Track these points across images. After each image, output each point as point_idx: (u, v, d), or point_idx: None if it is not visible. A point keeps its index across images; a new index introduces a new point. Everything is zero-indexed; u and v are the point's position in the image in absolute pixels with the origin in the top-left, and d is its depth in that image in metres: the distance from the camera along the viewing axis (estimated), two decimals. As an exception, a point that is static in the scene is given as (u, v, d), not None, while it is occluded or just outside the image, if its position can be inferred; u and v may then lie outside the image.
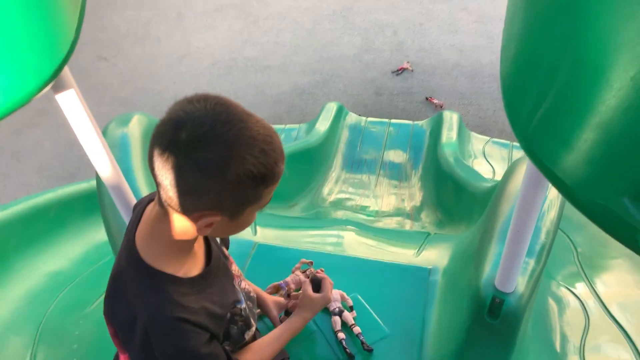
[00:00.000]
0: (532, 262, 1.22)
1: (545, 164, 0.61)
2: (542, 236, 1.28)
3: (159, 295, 0.84)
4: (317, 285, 1.32)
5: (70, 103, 1.04)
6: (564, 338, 1.63)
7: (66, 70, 0.96)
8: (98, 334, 1.70)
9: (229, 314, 0.97)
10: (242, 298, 1.02)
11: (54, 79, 0.86)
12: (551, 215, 1.35)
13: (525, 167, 1.47)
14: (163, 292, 0.84)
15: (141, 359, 0.88)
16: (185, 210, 0.78)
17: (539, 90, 0.65)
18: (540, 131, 0.63)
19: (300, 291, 1.31)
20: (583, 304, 1.73)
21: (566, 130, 0.57)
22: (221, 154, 0.72)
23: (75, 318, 1.80)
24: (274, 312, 1.34)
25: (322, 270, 1.49)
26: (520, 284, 1.16)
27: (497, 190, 1.51)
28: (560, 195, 1.41)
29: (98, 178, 1.51)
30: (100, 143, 1.11)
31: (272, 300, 1.35)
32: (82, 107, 1.05)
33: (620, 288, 1.81)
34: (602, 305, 1.72)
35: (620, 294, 1.77)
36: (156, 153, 0.75)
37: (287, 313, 1.37)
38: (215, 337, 0.92)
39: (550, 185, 0.94)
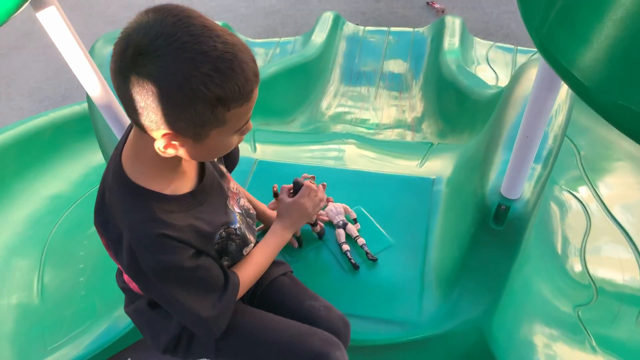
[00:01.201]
0: (538, 167, 1.20)
1: (562, 63, 0.58)
2: (550, 141, 1.25)
3: (143, 212, 0.83)
4: (297, 187, 1.28)
5: (52, 21, 0.98)
6: (565, 241, 1.65)
7: None
8: (103, 253, 1.72)
9: (224, 233, 0.97)
10: (235, 218, 1.01)
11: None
12: (559, 119, 1.31)
13: (532, 72, 1.43)
14: (147, 209, 0.83)
15: (132, 272, 0.89)
16: (142, 129, 0.75)
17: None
18: (556, 28, 0.59)
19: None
20: (585, 207, 1.74)
21: (585, 26, 0.53)
22: (161, 70, 0.67)
23: (79, 239, 1.82)
24: None
25: (324, 185, 1.47)
26: (526, 190, 1.14)
27: (503, 96, 1.46)
28: (568, 99, 1.36)
29: (89, 99, 1.46)
30: (87, 62, 1.05)
31: (271, 211, 1.35)
32: (64, 24, 0.99)
33: (622, 190, 1.81)
34: (604, 208, 1.73)
35: (623, 196, 1.78)
36: (111, 69, 0.72)
37: None
38: (203, 253, 0.91)
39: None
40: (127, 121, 1.19)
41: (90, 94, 1.11)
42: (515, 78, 1.46)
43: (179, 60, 0.67)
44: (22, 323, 1.54)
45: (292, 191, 1.30)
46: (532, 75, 1.42)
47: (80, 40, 1.06)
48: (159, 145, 0.76)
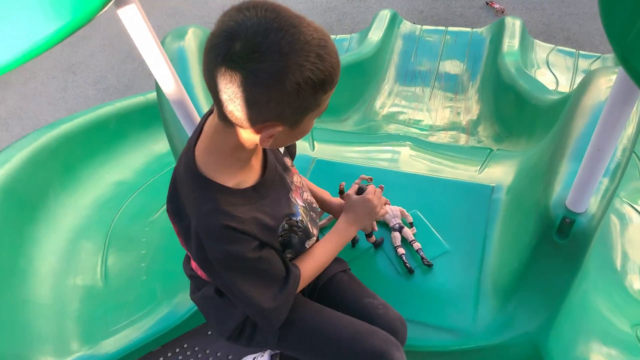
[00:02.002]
0: (606, 181, 1.17)
1: None
2: (619, 154, 1.21)
3: (210, 203, 0.87)
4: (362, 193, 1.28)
5: (132, 18, 1.02)
6: (624, 256, 1.60)
7: None
8: (164, 241, 1.79)
9: (286, 225, 0.99)
10: (298, 211, 1.03)
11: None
12: (629, 132, 1.27)
13: (601, 81, 1.39)
14: (214, 200, 0.87)
15: (199, 259, 0.93)
16: (247, 123, 0.77)
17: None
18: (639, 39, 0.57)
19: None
20: (646, 222, 1.68)
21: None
22: (278, 63, 0.70)
23: (141, 225, 1.90)
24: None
25: (381, 188, 1.48)
26: (592, 204, 1.12)
27: (570, 104, 1.42)
28: (639, 111, 1.32)
29: (159, 92, 1.51)
30: (162, 58, 1.09)
31: (339, 205, 1.34)
32: (143, 22, 1.04)
33: (686, 205, 1.74)
34: (666, 223, 1.67)
35: (686, 212, 1.71)
36: (211, 67, 0.74)
37: None
38: (267, 245, 0.94)
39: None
40: (197, 116, 1.23)
41: (164, 90, 1.15)
42: (583, 86, 1.42)
43: (291, 53, 0.71)
44: (87, 304, 1.62)
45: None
46: (601, 85, 1.38)
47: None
48: (263, 136, 0.80)
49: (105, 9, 0.86)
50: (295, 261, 1.08)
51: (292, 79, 0.71)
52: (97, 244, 1.84)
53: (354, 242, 1.44)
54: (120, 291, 1.64)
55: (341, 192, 1.39)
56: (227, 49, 0.71)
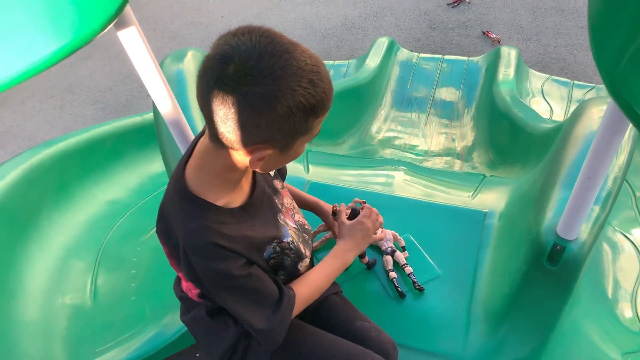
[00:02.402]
0: (597, 209, 1.18)
1: (632, 106, 0.57)
2: (610, 183, 1.23)
3: (197, 220, 0.87)
4: (355, 215, 1.27)
5: (132, 40, 1.04)
6: (616, 284, 1.60)
7: (127, 8, 0.96)
8: (155, 261, 1.78)
9: (277, 247, 0.99)
10: (287, 232, 1.03)
11: (117, 16, 0.87)
12: (620, 161, 1.29)
13: (594, 111, 1.41)
14: (202, 218, 0.87)
15: (192, 277, 0.94)
16: (237, 145, 0.78)
17: (630, 26, 0.60)
18: (629, 71, 0.59)
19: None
20: (638, 250, 1.69)
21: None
22: (270, 87, 0.72)
23: (133, 245, 1.89)
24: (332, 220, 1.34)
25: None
26: (583, 231, 1.13)
27: (563, 132, 1.44)
28: (630, 140, 1.34)
29: (156, 113, 1.52)
30: (160, 79, 1.11)
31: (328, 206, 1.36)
32: (143, 44, 1.06)
33: (678, 235, 1.75)
34: (658, 253, 1.67)
35: (678, 242, 1.71)
36: (205, 89, 0.75)
37: None
38: (254, 263, 0.94)
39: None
40: (192, 136, 1.24)
41: (161, 111, 1.17)
42: (576, 115, 1.44)
43: (284, 77, 0.72)
44: (74, 323, 1.60)
45: (348, 217, 1.31)
46: (593, 114, 1.40)
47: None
48: (253, 159, 0.81)
49: (105, 30, 0.87)
50: (291, 284, 1.08)
51: (284, 103, 0.73)
52: (88, 263, 1.83)
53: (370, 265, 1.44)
54: (108, 311, 1.63)
55: (334, 214, 1.39)
56: (221, 72, 0.72)
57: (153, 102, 1.55)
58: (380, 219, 1.26)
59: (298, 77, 0.73)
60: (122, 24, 1.01)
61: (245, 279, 0.91)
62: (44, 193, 1.94)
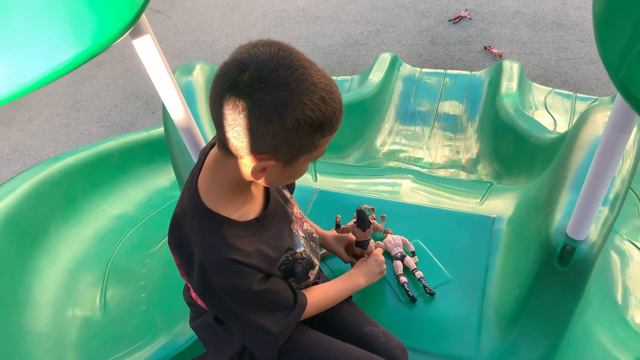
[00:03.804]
0: (605, 210, 1.19)
1: None
2: (617, 185, 1.24)
3: (214, 236, 0.88)
4: (361, 217, 1.31)
5: (146, 48, 1.07)
6: (626, 291, 1.60)
7: (143, 17, 0.99)
8: (164, 272, 1.79)
9: (290, 257, 1.00)
10: (300, 242, 1.05)
11: (134, 24, 0.89)
12: (626, 164, 1.30)
13: (599, 116, 1.43)
14: (218, 233, 0.88)
15: (201, 290, 0.95)
16: (243, 151, 0.79)
17: (637, 21, 0.62)
18: (636, 67, 0.60)
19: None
20: (647, 258, 1.69)
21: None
22: (282, 97, 0.73)
23: (141, 257, 1.89)
24: (338, 247, 1.37)
25: (383, 217, 1.50)
26: (592, 232, 1.13)
27: (568, 138, 1.46)
28: (636, 145, 1.35)
29: (167, 122, 1.54)
30: (173, 86, 1.13)
31: (332, 237, 1.38)
32: (157, 51, 1.08)
33: (686, 243, 1.75)
34: (667, 260, 1.68)
35: (687, 249, 1.72)
36: (218, 92, 0.77)
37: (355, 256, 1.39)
38: (272, 276, 0.96)
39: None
40: (203, 143, 1.26)
41: (173, 117, 1.19)
42: (581, 121, 1.46)
43: (297, 89, 0.74)
44: (85, 334, 1.60)
45: (355, 221, 1.33)
46: (598, 119, 1.41)
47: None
48: (255, 168, 0.81)
49: (122, 37, 0.90)
50: (307, 290, 1.10)
51: (293, 114, 0.74)
52: (97, 276, 1.84)
53: None
54: (119, 321, 1.63)
55: (337, 226, 1.41)
56: (236, 77, 0.74)
57: (164, 111, 1.57)
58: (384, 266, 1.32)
59: (310, 91, 0.74)
60: (137, 33, 1.04)
61: (263, 293, 0.94)
62: (52, 207, 1.96)
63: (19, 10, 0.74)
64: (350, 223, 1.37)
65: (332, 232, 1.41)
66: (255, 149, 0.78)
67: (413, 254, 1.47)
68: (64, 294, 1.74)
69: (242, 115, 0.74)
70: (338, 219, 1.42)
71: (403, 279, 1.40)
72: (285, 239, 1.01)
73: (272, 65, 0.73)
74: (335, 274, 1.45)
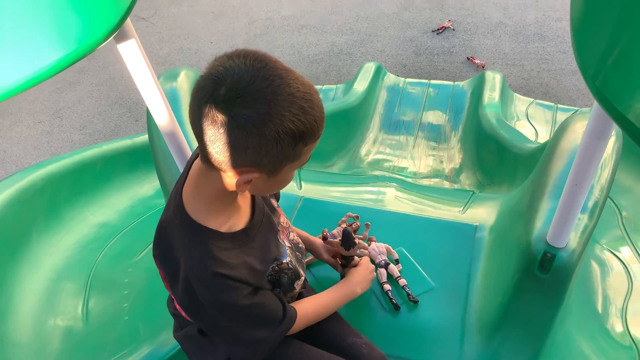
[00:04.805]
0: (585, 218, 1.21)
1: (618, 109, 0.60)
2: (596, 193, 1.26)
3: (199, 248, 0.87)
4: (346, 237, 1.29)
5: (131, 52, 1.07)
6: (606, 300, 1.62)
7: (128, 21, 0.99)
8: (147, 282, 1.77)
9: (276, 267, 1.00)
10: (286, 252, 1.05)
11: (120, 27, 0.89)
12: (605, 173, 1.32)
13: (578, 125, 1.46)
14: (204, 245, 0.87)
15: (185, 303, 0.94)
16: (225, 166, 0.78)
17: (613, 29, 0.63)
18: (613, 74, 0.61)
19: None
20: (627, 268, 1.72)
21: (641, 72, 0.55)
22: (259, 111, 0.72)
23: (124, 266, 1.87)
24: (326, 255, 1.36)
25: (367, 225, 1.50)
26: (572, 239, 1.15)
27: (548, 147, 1.48)
28: (614, 154, 1.38)
29: (151, 128, 1.53)
30: (158, 91, 1.13)
31: (322, 245, 1.38)
32: (142, 56, 1.07)
33: (666, 253, 1.78)
34: (646, 270, 1.70)
35: (666, 259, 1.75)
36: (196, 107, 0.75)
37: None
38: (260, 289, 0.95)
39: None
40: (188, 150, 1.26)
41: (158, 122, 1.18)
42: (561, 130, 1.48)
43: (274, 101, 0.72)
44: (67, 344, 1.57)
45: (339, 239, 1.33)
46: (578, 128, 1.44)
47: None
48: (239, 181, 0.80)
49: (107, 41, 0.90)
50: (299, 302, 1.10)
51: (272, 127, 0.73)
52: (79, 285, 1.81)
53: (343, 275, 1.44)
54: (101, 331, 1.61)
55: (324, 239, 1.41)
56: (212, 92, 0.72)
57: (148, 118, 1.57)
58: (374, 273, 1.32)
59: (289, 102, 0.73)
60: (122, 37, 1.04)
61: (250, 307, 0.93)
62: (34, 214, 1.93)
63: (2, 12, 0.74)
64: (337, 240, 1.35)
65: (320, 241, 1.41)
66: (237, 163, 0.77)
67: (397, 261, 1.48)
68: (46, 303, 1.71)
69: (221, 131, 0.73)
70: (325, 233, 1.43)
71: (387, 286, 1.40)
72: (271, 249, 1.00)
73: (247, 78, 0.72)
74: (320, 282, 1.45)
